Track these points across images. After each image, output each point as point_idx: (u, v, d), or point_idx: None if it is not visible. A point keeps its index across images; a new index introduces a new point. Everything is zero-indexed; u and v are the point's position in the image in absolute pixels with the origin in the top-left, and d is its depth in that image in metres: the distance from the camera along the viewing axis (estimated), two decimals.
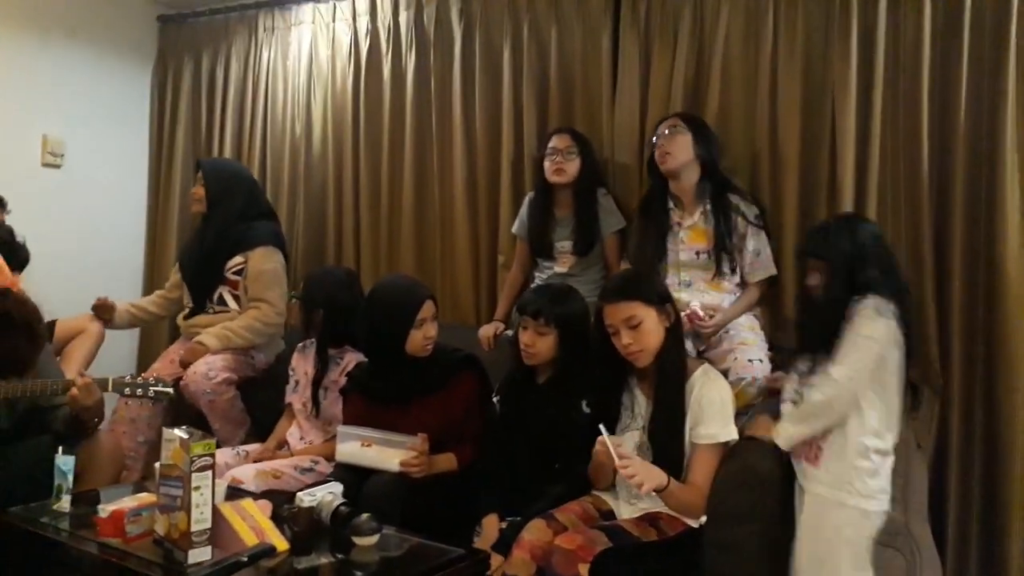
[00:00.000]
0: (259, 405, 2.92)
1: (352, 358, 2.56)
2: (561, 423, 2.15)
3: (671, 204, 2.55)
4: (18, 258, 2.56)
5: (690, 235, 2.51)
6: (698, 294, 2.45)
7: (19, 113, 3.50)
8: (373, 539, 1.77)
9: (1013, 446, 2.27)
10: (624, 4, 2.87)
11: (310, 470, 2.46)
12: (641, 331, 1.97)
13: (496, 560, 1.91)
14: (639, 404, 2.08)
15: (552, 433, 2.16)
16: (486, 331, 2.85)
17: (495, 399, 2.38)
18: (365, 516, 1.79)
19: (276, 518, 1.83)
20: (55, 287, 3.41)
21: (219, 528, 1.71)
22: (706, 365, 2.09)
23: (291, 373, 2.73)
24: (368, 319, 2.32)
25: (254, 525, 1.76)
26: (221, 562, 1.63)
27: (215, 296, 3.05)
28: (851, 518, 1.87)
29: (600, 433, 1.88)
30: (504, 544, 1.95)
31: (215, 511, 1.71)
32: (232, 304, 3.04)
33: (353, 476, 2.16)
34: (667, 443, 1.97)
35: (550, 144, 2.76)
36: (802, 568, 1.89)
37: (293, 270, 3.36)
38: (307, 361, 2.66)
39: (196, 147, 3.93)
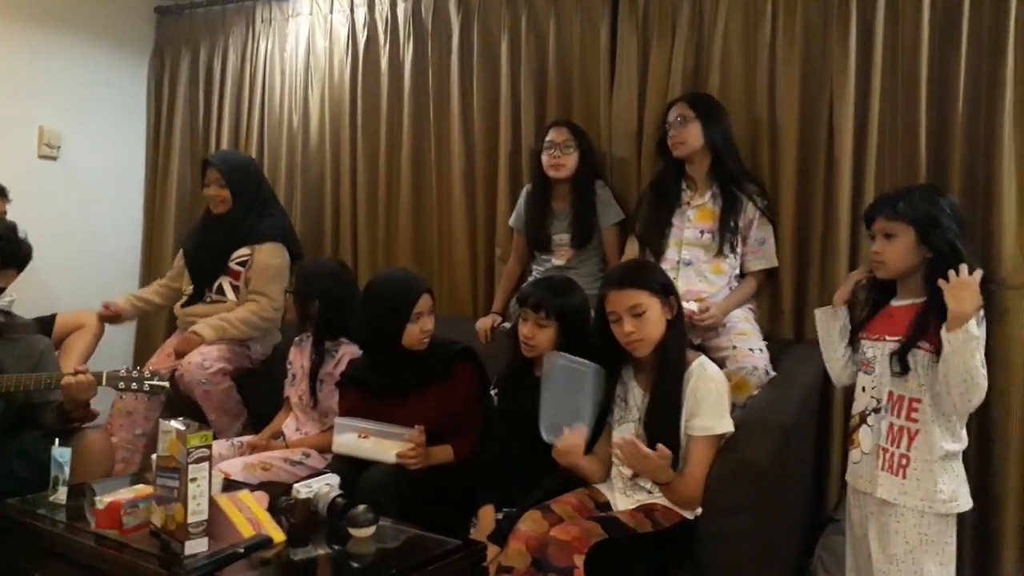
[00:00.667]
0: (256, 397, 2.92)
1: (348, 350, 2.56)
2: None
3: (683, 184, 2.57)
4: (21, 254, 2.56)
5: (698, 214, 2.52)
6: (695, 275, 2.46)
7: (15, 105, 3.49)
8: (370, 530, 1.78)
9: (1007, 452, 2.28)
10: None
11: (300, 463, 2.46)
12: (644, 320, 1.97)
13: (492, 551, 1.91)
14: (634, 396, 2.08)
15: None
16: (483, 324, 2.86)
17: (493, 392, 2.38)
18: (362, 508, 1.79)
19: (273, 509, 1.83)
20: (53, 279, 3.42)
21: (216, 520, 1.71)
22: (703, 357, 2.09)
23: (289, 367, 2.73)
24: (365, 312, 2.32)
25: (251, 516, 1.76)
26: (217, 553, 1.63)
27: (215, 285, 3.05)
28: (938, 525, 1.81)
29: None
30: (500, 535, 1.96)
31: (212, 503, 1.71)
32: (231, 295, 3.03)
33: (350, 468, 2.15)
34: (663, 435, 1.96)
35: (548, 137, 2.75)
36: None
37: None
38: (304, 354, 2.67)
39: (194, 139, 3.93)
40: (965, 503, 1.84)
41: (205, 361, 2.82)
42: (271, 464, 2.43)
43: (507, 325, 2.82)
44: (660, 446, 1.87)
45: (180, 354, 2.87)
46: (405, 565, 1.70)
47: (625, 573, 1.85)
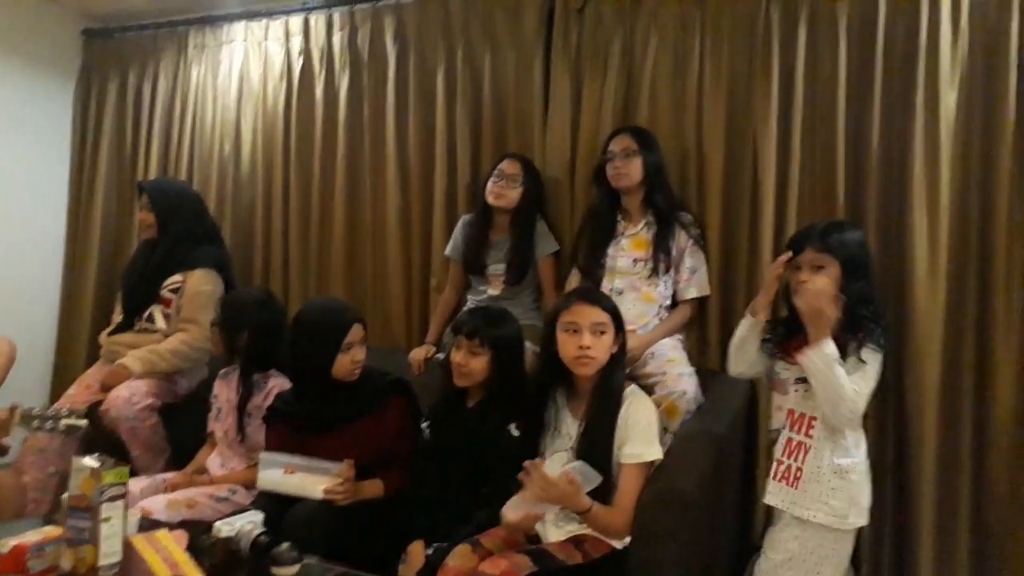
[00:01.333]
0: (179, 432, 2.82)
1: (277, 383, 2.50)
2: (490, 446, 2.14)
3: (618, 215, 2.62)
4: None
5: (631, 243, 2.58)
6: (627, 302, 2.49)
7: None
8: (293, 569, 1.72)
9: (922, 456, 2.36)
10: (556, 32, 2.93)
11: (226, 499, 2.38)
12: (601, 341, 2.01)
13: None
14: (565, 423, 2.09)
15: (481, 456, 2.15)
16: (417, 354, 2.84)
17: (425, 423, 2.36)
18: (285, 546, 1.74)
19: (193, 549, 1.76)
20: None
21: (130, 562, 1.64)
22: (633, 385, 2.12)
23: (213, 400, 2.65)
24: (294, 343, 2.27)
25: (168, 558, 1.69)
26: None
27: (146, 314, 2.97)
28: (824, 538, 1.90)
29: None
30: (430, 571, 1.92)
31: (126, 544, 1.64)
32: (161, 323, 2.95)
33: (276, 504, 2.09)
34: (595, 463, 1.96)
35: (499, 166, 2.79)
36: None
37: None
38: (230, 387, 2.59)
39: (121, 164, 3.83)
40: (858, 520, 1.92)
41: (133, 396, 2.72)
42: (196, 501, 2.34)
43: (441, 356, 2.81)
44: (567, 471, 1.87)
45: (106, 387, 2.76)
46: None
47: None
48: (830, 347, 1.84)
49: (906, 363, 2.40)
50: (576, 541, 1.94)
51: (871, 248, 2.29)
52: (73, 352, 3.64)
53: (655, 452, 1.99)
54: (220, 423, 2.61)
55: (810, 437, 1.94)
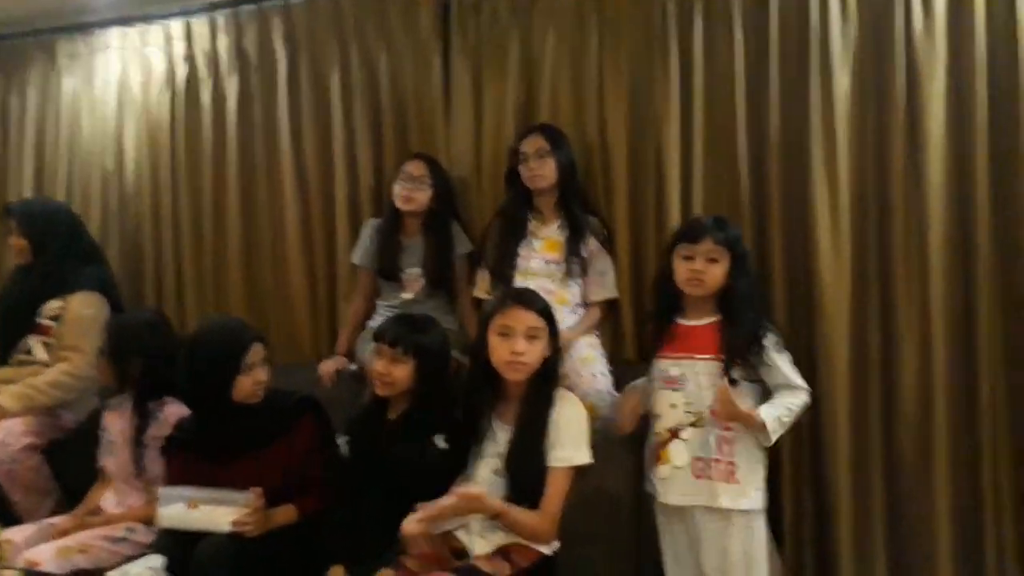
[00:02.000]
0: (69, 471, 2.61)
1: (173, 410, 2.34)
2: (415, 460, 2.04)
3: (530, 215, 2.58)
4: None
5: (544, 245, 2.54)
6: None
7: None
8: None
9: (836, 440, 2.42)
10: (453, 31, 2.87)
11: (124, 540, 2.21)
12: (535, 346, 1.95)
13: None
14: (494, 430, 2.02)
15: (406, 471, 2.05)
16: (327, 367, 2.72)
17: (344, 439, 2.24)
18: None
19: None
20: None
21: None
22: (562, 388, 2.07)
23: (102, 433, 2.46)
24: (189, 367, 2.12)
25: None
26: None
27: (23, 345, 2.76)
28: (759, 522, 2.00)
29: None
30: None
31: None
32: (40, 354, 2.74)
33: (180, 542, 1.95)
34: (525, 468, 1.92)
35: (405, 168, 2.71)
36: None
37: None
38: (122, 418, 2.41)
39: None
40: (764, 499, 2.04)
41: (8, 437, 2.52)
42: (90, 545, 2.16)
43: (353, 367, 2.72)
44: (467, 489, 1.83)
45: None
46: None
47: None
48: (766, 414, 1.95)
49: (816, 343, 2.45)
50: (503, 552, 1.87)
51: (775, 237, 2.44)
52: None
53: (584, 456, 1.95)
54: (113, 457, 2.42)
55: (730, 430, 1.98)
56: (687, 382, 2.02)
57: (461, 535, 1.98)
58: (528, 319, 1.96)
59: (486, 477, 1.94)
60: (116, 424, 2.43)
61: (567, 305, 2.50)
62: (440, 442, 2.06)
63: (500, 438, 2.00)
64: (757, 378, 2.02)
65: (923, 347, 2.38)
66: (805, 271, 2.48)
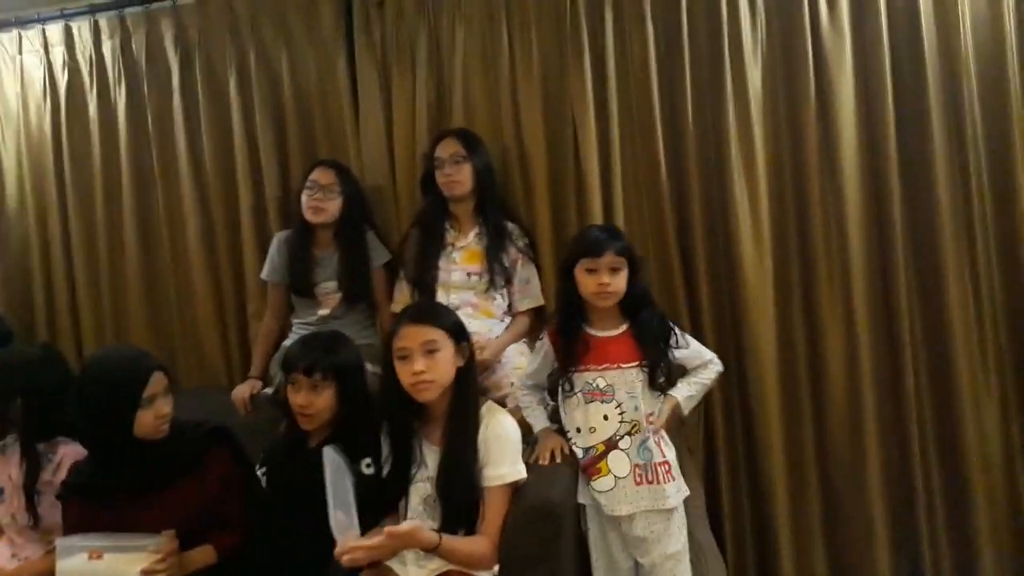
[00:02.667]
0: None
1: (67, 451, 2.14)
2: None
3: (447, 224, 2.49)
4: None
5: (463, 256, 2.46)
6: (465, 319, 2.35)
7: None
8: None
9: (770, 440, 2.43)
10: (357, 29, 2.75)
11: None
12: (436, 360, 1.85)
13: None
14: (423, 452, 1.93)
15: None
16: (240, 392, 2.57)
17: (260, 471, 2.11)
18: None
19: None
20: None
21: None
22: (490, 402, 2.00)
23: None
24: (82, 403, 1.93)
25: None
26: None
27: None
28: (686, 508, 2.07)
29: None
30: None
31: None
32: None
33: None
34: (458, 492, 1.84)
35: (312, 176, 2.57)
36: None
37: None
38: (9, 464, 2.19)
39: None
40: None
41: None
42: None
43: (269, 390, 2.56)
44: (396, 527, 1.74)
45: None
46: None
47: None
48: (680, 393, 2.08)
49: (744, 340, 2.46)
50: None
51: (697, 234, 2.48)
52: None
53: (519, 471, 1.88)
54: (4, 507, 2.21)
55: (656, 432, 2.04)
56: (616, 391, 2.03)
57: (395, 564, 1.89)
58: (421, 334, 1.87)
59: (416, 506, 1.85)
60: (3, 471, 2.21)
61: (493, 317, 2.43)
62: (366, 467, 1.96)
63: (429, 462, 1.91)
64: (677, 367, 2.12)
65: (848, 334, 2.42)
66: (728, 269, 2.49)
